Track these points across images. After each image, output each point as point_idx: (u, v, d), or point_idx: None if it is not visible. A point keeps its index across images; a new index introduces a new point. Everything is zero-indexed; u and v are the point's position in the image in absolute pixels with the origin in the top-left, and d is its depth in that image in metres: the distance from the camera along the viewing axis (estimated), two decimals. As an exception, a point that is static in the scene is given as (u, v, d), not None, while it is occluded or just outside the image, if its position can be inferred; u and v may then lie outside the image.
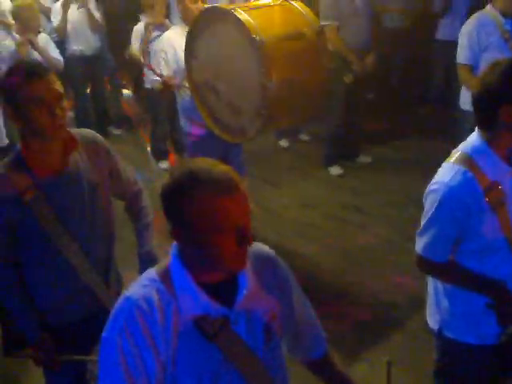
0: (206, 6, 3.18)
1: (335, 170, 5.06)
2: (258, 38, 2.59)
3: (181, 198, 1.17)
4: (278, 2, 2.95)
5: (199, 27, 2.91)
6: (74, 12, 5.43)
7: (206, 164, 1.20)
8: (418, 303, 2.14)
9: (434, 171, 1.87)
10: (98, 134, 2.01)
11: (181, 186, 1.18)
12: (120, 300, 1.27)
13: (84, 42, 5.56)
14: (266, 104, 2.67)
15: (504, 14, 3.68)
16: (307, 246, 3.99)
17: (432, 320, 2.02)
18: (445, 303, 1.94)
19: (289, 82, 2.70)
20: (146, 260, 2.08)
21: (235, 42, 2.75)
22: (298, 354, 1.53)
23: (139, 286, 1.27)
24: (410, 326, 3.09)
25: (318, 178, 5.03)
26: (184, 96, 3.36)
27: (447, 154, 1.90)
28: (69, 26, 5.45)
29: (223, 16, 2.77)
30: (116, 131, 6.17)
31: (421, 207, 1.90)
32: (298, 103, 2.90)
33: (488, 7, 3.76)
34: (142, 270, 2.06)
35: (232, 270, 1.25)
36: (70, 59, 5.42)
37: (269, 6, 2.95)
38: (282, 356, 1.41)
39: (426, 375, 2.18)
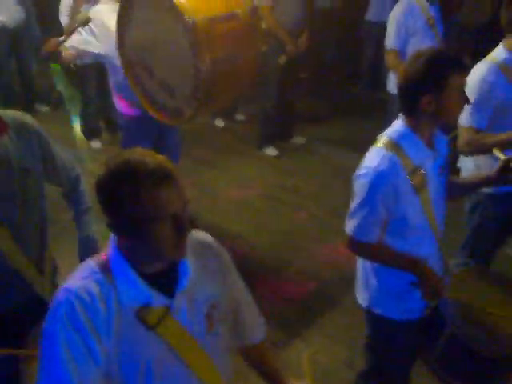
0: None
1: (270, 151, 5.13)
2: (189, 19, 2.54)
3: (117, 189, 1.17)
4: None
5: (131, 5, 2.81)
6: (-5, -19, 5.10)
7: (142, 154, 1.20)
8: (351, 280, 2.23)
9: (366, 150, 1.95)
10: (29, 116, 1.92)
11: (116, 177, 1.17)
12: (59, 292, 1.25)
13: (6, 14, 5.23)
14: (200, 86, 2.65)
15: (428, 0, 3.83)
16: (243, 226, 4.04)
17: (361, 297, 2.13)
18: (373, 281, 2.05)
19: (222, 63, 2.66)
20: (86, 245, 2.05)
21: (168, 23, 2.67)
22: (237, 339, 1.56)
23: (78, 277, 1.25)
24: (344, 302, 3.22)
25: (253, 159, 5.08)
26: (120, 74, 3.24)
27: (378, 133, 1.98)
28: (-13, -4, 5.12)
29: None
30: (43, 108, 5.90)
31: (352, 187, 1.96)
32: (232, 84, 2.88)
33: None
34: (83, 254, 2.05)
35: (171, 258, 1.26)
36: (-9, 31, 5.11)
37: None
38: (224, 342, 1.44)
39: (359, 350, 2.31)
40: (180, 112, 2.86)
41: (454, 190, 2.14)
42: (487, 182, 2.12)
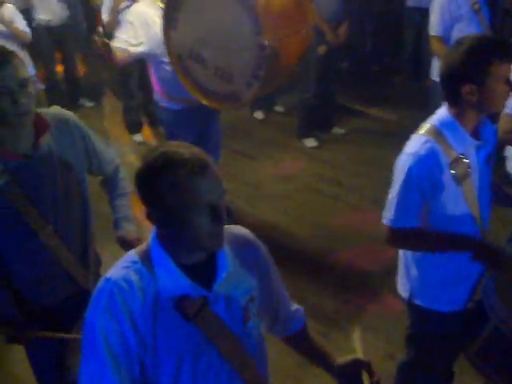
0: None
1: (310, 142, 5.10)
2: None
3: (154, 179, 1.20)
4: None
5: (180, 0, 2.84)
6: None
7: (179, 146, 1.23)
8: (391, 271, 2.20)
9: (405, 141, 1.91)
10: (71, 113, 1.99)
11: (154, 167, 1.20)
12: (101, 281, 1.29)
13: (50, 12, 5.40)
14: (262, 65, 2.65)
15: None
16: (283, 217, 4.04)
17: (402, 288, 2.10)
18: (414, 272, 2.02)
19: (280, 42, 2.68)
20: (122, 223, 2.08)
21: (224, 5, 2.69)
22: (277, 330, 1.57)
23: (120, 267, 1.30)
24: (384, 293, 3.19)
25: (293, 150, 5.06)
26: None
27: (419, 123, 1.93)
28: (34, -5, 5.29)
29: None
30: (88, 103, 6.06)
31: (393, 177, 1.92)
32: (287, 63, 2.90)
33: None
34: (118, 233, 2.06)
35: (208, 249, 1.28)
36: (36, 30, 5.27)
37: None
38: (261, 336, 1.45)
39: (399, 342, 2.28)
40: (237, 96, 2.86)
41: (502, 198, 2.07)
42: None
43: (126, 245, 2.00)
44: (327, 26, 4.61)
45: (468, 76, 1.74)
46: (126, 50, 3.21)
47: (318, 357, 1.55)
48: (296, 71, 3.12)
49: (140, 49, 3.24)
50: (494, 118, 2.09)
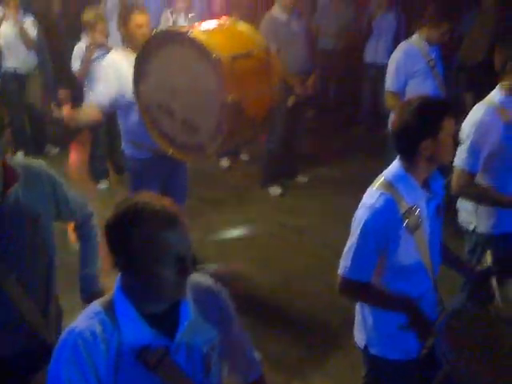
0: (153, 32, 3.19)
1: (274, 190, 5.21)
2: (215, 55, 2.66)
3: (125, 230, 1.24)
4: (226, 24, 3.05)
5: (150, 51, 2.92)
6: (8, 28, 5.35)
7: (148, 198, 1.28)
8: (351, 320, 2.27)
9: (366, 190, 2.01)
10: (41, 162, 2.00)
11: (125, 218, 1.25)
12: (65, 333, 1.31)
13: (18, 60, 5.48)
14: (225, 120, 2.75)
15: (429, 42, 3.96)
16: (246, 264, 4.08)
17: (359, 337, 2.16)
18: (369, 321, 2.08)
19: (246, 98, 2.78)
20: (89, 281, 2.10)
21: (191, 62, 2.79)
22: (235, 378, 1.59)
23: (84, 318, 1.32)
24: (346, 342, 3.19)
25: (257, 198, 5.16)
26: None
27: (379, 173, 2.04)
28: (2, 43, 5.36)
29: (177, 37, 2.81)
30: (54, 150, 6.06)
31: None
32: (252, 118, 3.00)
33: (414, 36, 4.03)
34: (84, 291, 2.09)
35: (172, 299, 1.32)
36: (4, 77, 5.34)
37: (217, 27, 3.04)
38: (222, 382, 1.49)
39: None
40: (202, 148, 2.94)
41: (445, 256, 2.17)
42: (466, 274, 2.20)
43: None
44: (296, 79, 4.82)
45: (424, 132, 1.88)
46: (102, 104, 3.28)
47: None
48: (263, 127, 3.23)
49: (111, 97, 3.33)
50: (444, 171, 2.23)
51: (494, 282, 2.11)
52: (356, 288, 1.99)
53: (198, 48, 2.70)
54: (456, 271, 2.24)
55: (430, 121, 1.87)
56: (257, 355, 1.62)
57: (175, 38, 2.83)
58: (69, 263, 2.26)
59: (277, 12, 4.76)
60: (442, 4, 4.17)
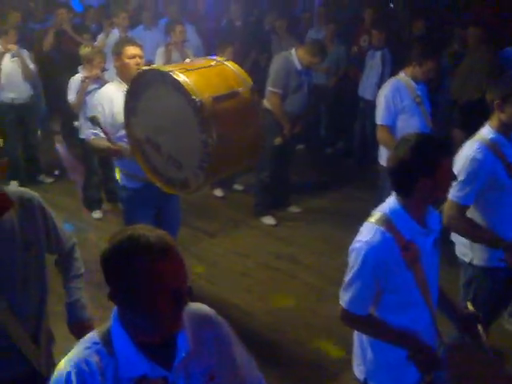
0: (144, 67, 3.26)
1: (267, 220, 5.24)
2: (196, 99, 2.73)
3: (120, 262, 1.26)
4: (213, 63, 3.12)
5: (139, 87, 3.01)
6: (8, 61, 5.50)
7: (144, 230, 1.29)
8: (349, 351, 2.27)
9: (360, 221, 2.04)
10: (35, 193, 2.03)
11: (120, 250, 1.26)
12: (62, 363, 1.31)
13: (16, 90, 5.59)
14: (207, 159, 2.80)
15: (414, 80, 4.07)
16: (241, 295, 4.07)
17: (358, 370, 2.16)
18: (369, 354, 2.09)
19: (227, 137, 2.83)
20: (75, 310, 2.11)
21: (174, 103, 2.86)
22: None
23: (80, 348, 1.32)
24: (342, 374, 3.21)
25: (251, 228, 5.18)
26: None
27: (370, 204, 2.08)
28: (2, 75, 5.48)
29: (162, 78, 2.88)
30: (47, 180, 6.07)
31: (346, 257, 2.03)
32: (236, 156, 3.06)
33: (401, 73, 4.15)
34: (70, 319, 2.10)
35: (168, 331, 1.32)
36: (1, 107, 5.40)
37: (204, 67, 3.11)
38: None
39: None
40: (187, 183, 2.99)
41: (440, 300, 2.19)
42: (453, 320, 2.21)
43: (78, 332, 2.02)
44: (286, 121, 4.96)
45: (422, 170, 1.88)
46: (104, 137, 3.35)
47: None
48: (249, 163, 3.29)
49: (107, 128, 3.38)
50: (434, 204, 2.26)
51: (480, 328, 2.12)
52: (357, 320, 2.01)
53: (180, 89, 2.78)
54: (446, 315, 2.23)
55: (428, 159, 1.88)
56: (261, 376, 1.60)
57: (160, 78, 2.90)
58: (60, 292, 2.26)
59: (294, 59, 4.89)
60: (426, 43, 4.33)
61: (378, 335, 2.04)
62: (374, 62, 6.14)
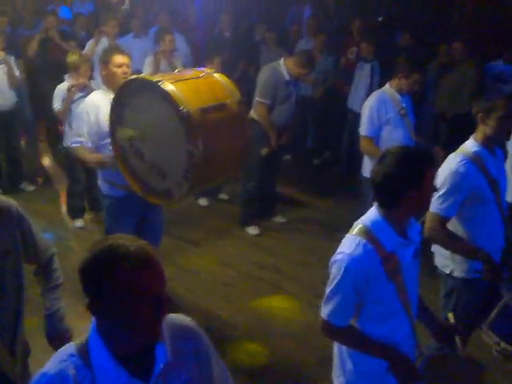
0: (131, 76, 3.25)
1: (252, 230, 5.23)
2: (184, 109, 2.72)
3: (99, 271, 1.24)
4: (202, 75, 3.13)
5: (125, 95, 2.99)
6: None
7: (124, 239, 1.29)
8: (328, 362, 2.26)
9: (345, 232, 2.04)
10: (14, 202, 2.00)
11: (100, 260, 1.25)
12: (36, 376, 1.28)
13: (1, 98, 5.51)
14: (192, 169, 2.80)
15: (399, 92, 4.12)
16: (223, 305, 4.05)
17: (337, 381, 2.15)
18: (349, 365, 2.09)
19: (213, 149, 2.83)
20: (53, 321, 2.08)
21: (162, 112, 2.85)
22: None
23: (56, 361, 1.30)
24: (319, 383, 3.19)
25: (235, 237, 5.16)
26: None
27: (355, 215, 2.07)
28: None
29: (150, 87, 2.87)
30: (29, 187, 6.00)
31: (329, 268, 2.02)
32: (221, 167, 3.06)
33: (387, 85, 4.20)
34: (49, 330, 2.07)
35: (147, 340, 1.30)
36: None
37: (193, 78, 3.11)
38: None
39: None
40: (170, 193, 2.98)
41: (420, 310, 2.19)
42: (434, 332, 2.22)
43: (57, 344, 1.98)
44: (273, 132, 4.96)
45: (408, 182, 1.88)
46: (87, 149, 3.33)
47: None
48: (234, 174, 3.30)
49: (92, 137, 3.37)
50: (416, 215, 2.28)
51: (457, 340, 2.13)
52: (337, 331, 2.00)
53: (167, 99, 2.77)
54: (425, 325, 2.23)
55: (414, 171, 1.89)
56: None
57: (148, 87, 2.89)
58: (36, 301, 2.22)
59: (282, 69, 4.88)
60: (411, 55, 4.38)
61: (358, 347, 2.03)
62: (363, 74, 6.18)
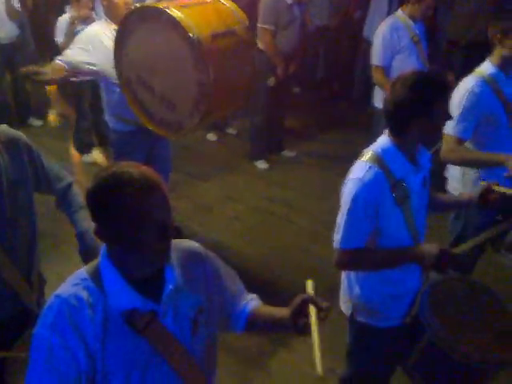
0: (135, 4, 3.12)
1: (261, 164, 5.22)
2: (193, 36, 2.62)
3: (105, 198, 1.24)
4: (208, 0, 3.00)
5: (130, 25, 2.87)
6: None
7: (128, 166, 1.28)
8: (336, 291, 2.30)
9: (353, 163, 2.02)
10: (21, 133, 1.98)
11: (104, 186, 1.25)
12: (51, 298, 1.31)
13: (1, 31, 5.35)
14: (203, 99, 2.73)
15: (412, 18, 3.95)
16: (234, 239, 4.10)
17: (344, 306, 2.20)
18: (356, 291, 2.12)
19: (223, 77, 2.75)
20: (84, 239, 2.08)
21: (170, 40, 2.75)
22: (232, 326, 1.60)
23: (69, 284, 1.32)
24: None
25: (245, 172, 5.16)
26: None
27: (365, 146, 2.04)
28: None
29: (156, 14, 2.75)
30: (37, 122, 5.96)
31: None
32: (231, 96, 2.99)
33: (399, 11, 4.02)
34: (82, 249, 2.07)
35: (155, 264, 1.32)
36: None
37: (200, 4, 2.98)
38: (212, 345, 1.50)
39: (341, 358, 2.37)
40: (180, 125, 2.93)
41: (438, 205, 2.23)
42: (468, 203, 2.24)
43: (89, 258, 2.00)
44: (279, 60, 4.78)
45: (418, 109, 1.86)
46: (67, 62, 3.21)
47: (275, 325, 1.60)
48: (243, 104, 3.23)
49: (88, 62, 3.26)
50: (428, 144, 2.24)
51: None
52: (353, 255, 1.99)
53: (176, 26, 2.66)
54: (457, 208, 2.38)
55: (425, 98, 1.86)
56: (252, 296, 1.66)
57: (154, 14, 2.77)
58: (49, 233, 2.25)
59: None
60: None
61: (378, 262, 2.01)
62: (379, 2, 5.91)
